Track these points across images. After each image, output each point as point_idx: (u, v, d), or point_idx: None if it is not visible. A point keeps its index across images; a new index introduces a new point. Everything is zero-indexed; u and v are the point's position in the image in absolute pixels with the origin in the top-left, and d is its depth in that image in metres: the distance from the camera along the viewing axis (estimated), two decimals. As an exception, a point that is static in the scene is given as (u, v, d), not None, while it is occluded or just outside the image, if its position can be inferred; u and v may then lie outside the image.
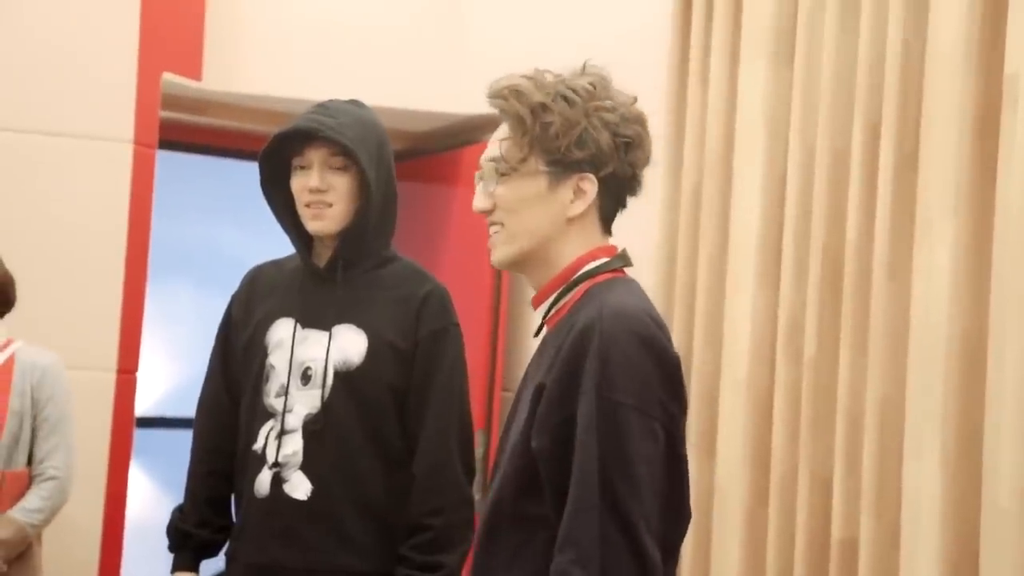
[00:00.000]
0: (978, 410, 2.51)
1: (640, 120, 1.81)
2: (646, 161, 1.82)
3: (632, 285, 1.81)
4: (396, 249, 2.63)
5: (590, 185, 1.78)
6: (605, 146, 1.77)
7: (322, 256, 2.57)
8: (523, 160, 1.77)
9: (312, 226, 2.52)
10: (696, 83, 3.31)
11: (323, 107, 2.53)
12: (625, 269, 1.84)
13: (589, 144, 1.76)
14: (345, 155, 2.48)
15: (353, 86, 4.12)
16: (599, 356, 1.65)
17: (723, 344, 3.15)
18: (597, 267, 1.80)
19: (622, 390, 1.65)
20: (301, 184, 2.51)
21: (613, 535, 1.61)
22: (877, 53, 2.79)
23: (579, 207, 1.79)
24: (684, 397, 1.74)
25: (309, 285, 2.57)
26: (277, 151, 2.54)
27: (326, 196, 2.49)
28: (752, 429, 3.04)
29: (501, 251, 1.81)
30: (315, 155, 2.49)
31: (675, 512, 1.72)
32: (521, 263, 1.82)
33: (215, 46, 4.02)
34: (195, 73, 3.97)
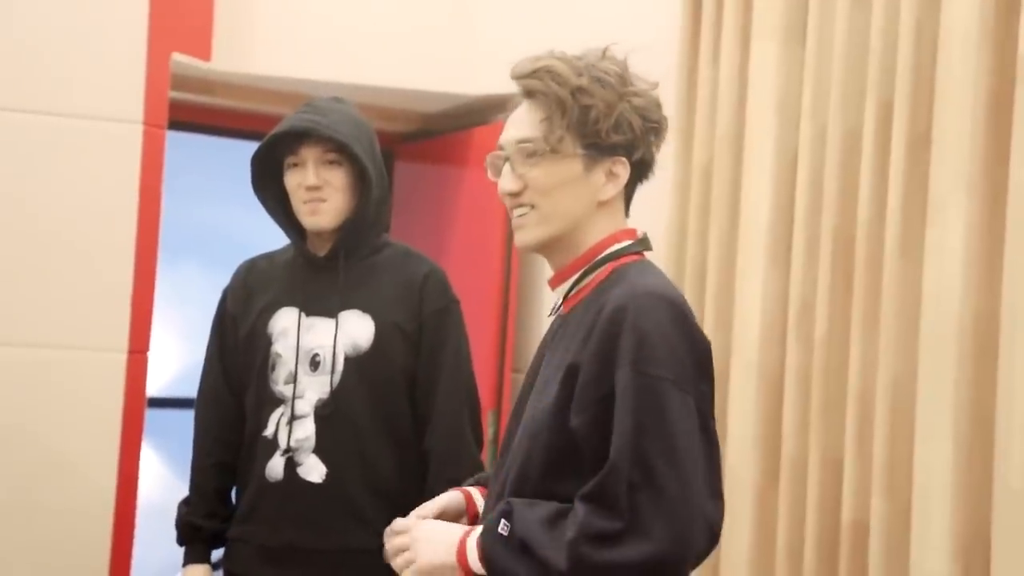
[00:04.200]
0: (990, 391, 2.50)
1: (661, 106, 1.82)
2: (661, 146, 1.84)
3: (657, 269, 1.81)
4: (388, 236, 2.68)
5: (623, 169, 1.79)
6: (638, 131, 1.78)
7: (318, 248, 2.62)
8: (560, 142, 1.75)
9: (309, 222, 2.57)
10: (707, 62, 3.30)
11: (312, 106, 2.58)
12: (645, 253, 1.84)
13: (625, 129, 1.77)
14: (338, 151, 2.53)
15: (362, 66, 4.13)
16: (635, 332, 1.64)
17: (733, 325, 3.15)
18: (620, 249, 1.80)
19: (659, 365, 1.64)
20: (296, 181, 2.56)
21: (646, 508, 1.58)
22: (889, 31, 2.77)
23: (611, 191, 1.79)
24: (713, 377, 1.73)
25: (309, 275, 2.61)
26: (268, 149, 2.58)
27: (322, 192, 2.54)
28: (763, 410, 3.03)
29: (531, 233, 1.79)
30: (309, 153, 2.54)
31: (712, 491, 1.70)
32: (549, 246, 1.81)
33: (225, 26, 4.01)
34: (205, 53, 3.96)
